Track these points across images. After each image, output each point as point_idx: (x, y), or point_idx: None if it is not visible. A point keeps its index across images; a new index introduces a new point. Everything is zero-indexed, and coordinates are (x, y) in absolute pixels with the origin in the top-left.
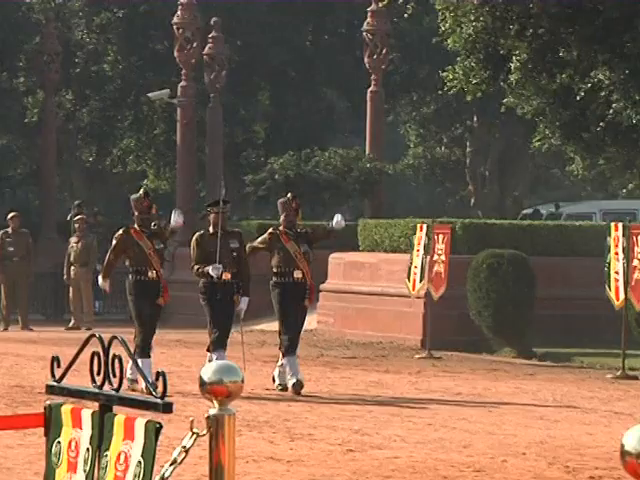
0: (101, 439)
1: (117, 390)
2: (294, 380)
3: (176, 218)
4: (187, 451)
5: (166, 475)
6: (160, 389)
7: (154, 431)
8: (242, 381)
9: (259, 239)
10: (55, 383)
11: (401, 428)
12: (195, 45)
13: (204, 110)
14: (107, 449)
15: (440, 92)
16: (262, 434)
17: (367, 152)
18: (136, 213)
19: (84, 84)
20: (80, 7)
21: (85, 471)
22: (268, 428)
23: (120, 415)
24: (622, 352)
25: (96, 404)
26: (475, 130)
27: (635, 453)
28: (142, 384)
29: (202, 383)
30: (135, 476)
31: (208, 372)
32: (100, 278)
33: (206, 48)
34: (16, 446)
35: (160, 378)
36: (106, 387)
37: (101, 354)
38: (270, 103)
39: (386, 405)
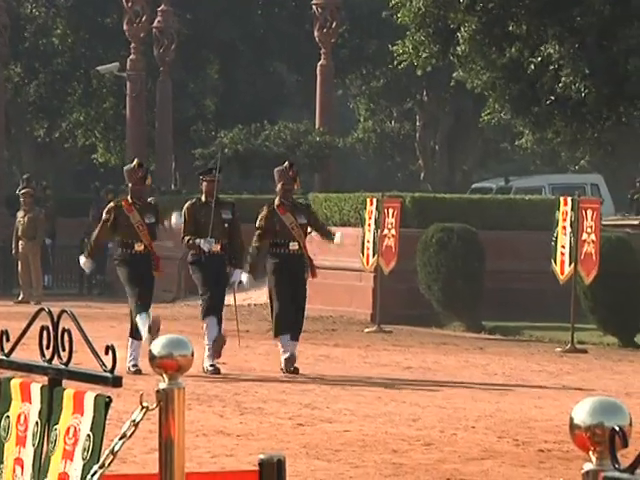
0: (50, 413)
1: (66, 364)
2: (287, 355)
3: (176, 221)
4: (137, 425)
5: (116, 449)
6: (110, 363)
7: (103, 405)
8: (192, 355)
9: (258, 222)
10: (4, 357)
11: (351, 402)
12: (144, 19)
13: (153, 84)
14: (56, 423)
15: (390, 66)
16: (212, 408)
17: (317, 126)
18: (129, 185)
19: (33, 58)
20: None
21: (34, 445)
22: (218, 402)
23: (69, 389)
24: (571, 326)
25: (45, 378)
26: (425, 104)
27: (584, 426)
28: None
29: (152, 357)
30: (84, 450)
31: (158, 346)
32: (82, 257)
33: (155, 22)
34: None
35: (110, 352)
36: (55, 361)
37: (50, 328)
38: (220, 77)
39: (336, 379)
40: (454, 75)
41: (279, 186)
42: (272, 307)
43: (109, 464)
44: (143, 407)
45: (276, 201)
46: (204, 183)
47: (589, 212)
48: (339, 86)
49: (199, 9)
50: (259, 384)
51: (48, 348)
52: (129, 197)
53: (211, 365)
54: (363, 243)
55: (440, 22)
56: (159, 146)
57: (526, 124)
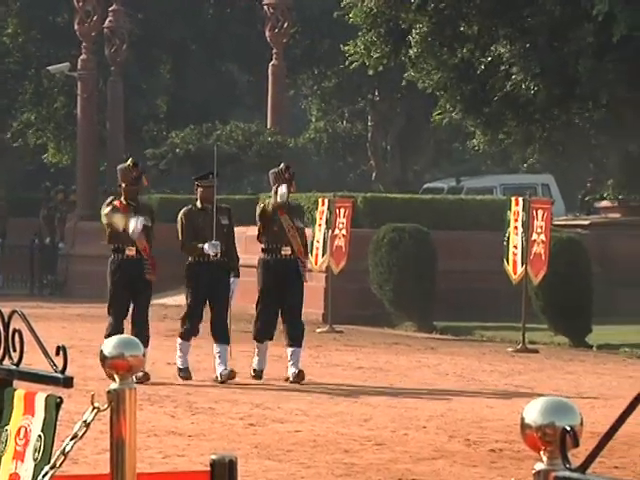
0: (0, 414)
1: (17, 364)
2: (294, 370)
3: (135, 226)
4: (88, 425)
5: (67, 449)
6: (61, 363)
7: (55, 405)
8: (143, 355)
9: (259, 221)
10: None
11: (302, 402)
12: (95, 18)
13: (105, 84)
14: (7, 424)
15: (342, 66)
16: (163, 408)
17: (268, 126)
18: (123, 185)
19: None
20: None
21: None
22: (170, 402)
23: (20, 390)
24: (522, 326)
25: None
26: (376, 104)
27: (535, 426)
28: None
29: (103, 357)
30: (35, 451)
31: (109, 346)
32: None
33: (106, 21)
34: None
35: (61, 352)
36: (6, 361)
37: (1, 328)
38: (171, 77)
39: (287, 380)
40: (405, 75)
41: (274, 188)
42: (256, 311)
43: (60, 465)
44: (94, 408)
45: (272, 203)
46: (200, 189)
47: (540, 212)
48: (291, 86)
49: (150, 9)
50: (210, 384)
51: None
52: (122, 198)
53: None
54: (312, 243)
55: (392, 22)
56: (110, 146)
57: (477, 124)
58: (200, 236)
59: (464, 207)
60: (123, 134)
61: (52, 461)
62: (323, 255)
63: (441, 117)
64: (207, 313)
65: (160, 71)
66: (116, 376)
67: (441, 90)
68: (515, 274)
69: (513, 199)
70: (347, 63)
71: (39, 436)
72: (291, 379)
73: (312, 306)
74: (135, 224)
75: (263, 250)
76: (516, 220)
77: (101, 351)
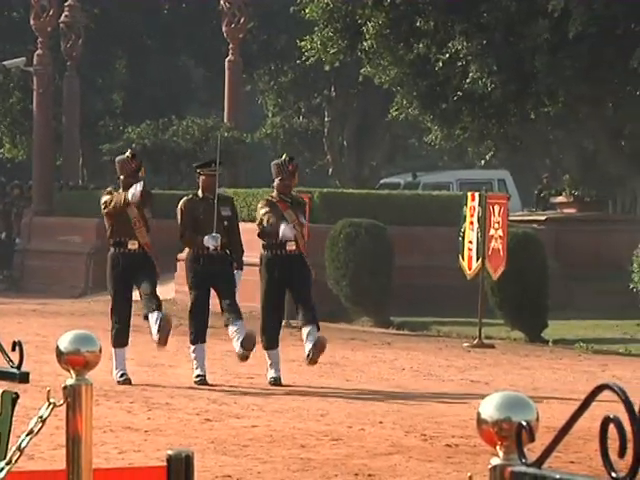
0: None
1: None
2: (275, 375)
3: (132, 196)
4: (44, 421)
5: (23, 445)
6: (17, 359)
7: (10, 401)
8: (99, 351)
9: (261, 217)
10: None
11: (259, 397)
12: (51, 13)
13: (61, 79)
14: None
15: (298, 62)
16: (120, 404)
17: (225, 121)
18: (122, 177)
19: None
20: None
21: None
22: (126, 398)
23: None
24: (479, 321)
25: None
26: (333, 100)
27: (491, 421)
28: None
29: (59, 353)
30: None
31: (65, 342)
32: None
33: (62, 16)
34: None
35: (17, 348)
36: None
37: None
38: (127, 72)
39: (243, 374)
40: (362, 71)
41: (277, 181)
42: (261, 316)
43: (16, 461)
44: (50, 403)
45: (274, 196)
46: (202, 177)
47: (496, 208)
48: (247, 81)
49: (106, 4)
50: (167, 380)
51: None
52: (121, 190)
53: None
54: None
55: (348, 18)
56: (66, 141)
57: (434, 120)
58: (200, 227)
59: (420, 203)
60: (79, 129)
61: (7, 457)
62: None
63: (398, 113)
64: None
65: (116, 66)
66: (72, 371)
67: (397, 86)
68: (470, 269)
69: (469, 194)
70: (304, 58)
71: None
72: (310, 356)
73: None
74: (135, 188)
75: (265, 247)
76: (472, 215)
77: (57, 346)
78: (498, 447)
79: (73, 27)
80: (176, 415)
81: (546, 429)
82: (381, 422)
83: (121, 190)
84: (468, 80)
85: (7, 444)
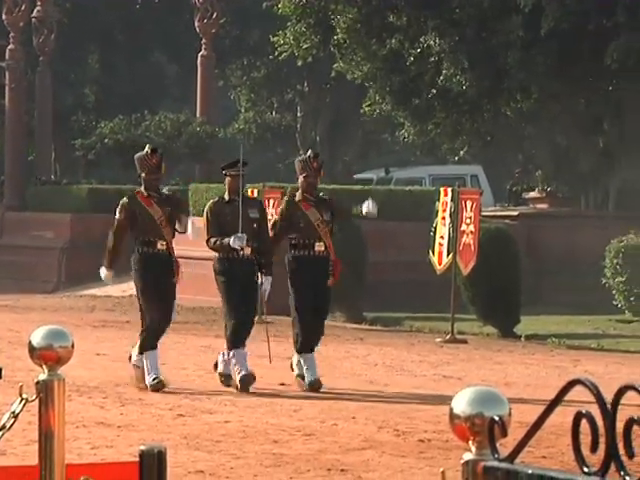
0: None
1: None
2: (311, 378)
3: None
4: (16, 417)
5: None
6: None
7: None
8: (72, 346)
9: (277, 217)
10: None
11: (231, 393)
12: (23, 8)
13: (33, 73)
14: None
15: (271, 57)
16: (92, 399)
17: (197, 116)
18: (142, 174)
19: None
20: None
21: None
22: (98, 393)
23: None
24: (451, 316)
25: None
26: (306, 95)
27: (464, 416)
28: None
29: (31, 348)
30: None
31: (37, 337)
32: (103, 270)
33: (35, 11)
34: None
35: None
36: None
37: None
38: (100, 67)
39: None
40: (335, 66)
41: (301, 178)
42: (294, 320)
43: None
44: (23, 399)
45: (297, 195)
46: (227, 178)
47: (469, 203)
48: (220, 77)
49: None
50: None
51: None
52: (142, 188)
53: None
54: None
55: (321, 13)
56: (39, 136)
57: (406, 115)
58: (226, 231)
59: (393, 198)
60: (51, 124)
61: None
62: None
63: (370, 108)
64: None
65: (88, 61)
66: (44, 367)
67: (370, 81)
68: (440, 264)
69: (442, 190)
70: (276, 54)
71: None
72: (306, 383)
73: None
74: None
75: (293, 247)
76: (444, 210)
77: (30, 342)
78: (470, 442)
79: (45, 22)
80: (149, 410)
81: (518, 424)
82: (354, 417)
83: (143, 188)
84: (441, 77)
85: None
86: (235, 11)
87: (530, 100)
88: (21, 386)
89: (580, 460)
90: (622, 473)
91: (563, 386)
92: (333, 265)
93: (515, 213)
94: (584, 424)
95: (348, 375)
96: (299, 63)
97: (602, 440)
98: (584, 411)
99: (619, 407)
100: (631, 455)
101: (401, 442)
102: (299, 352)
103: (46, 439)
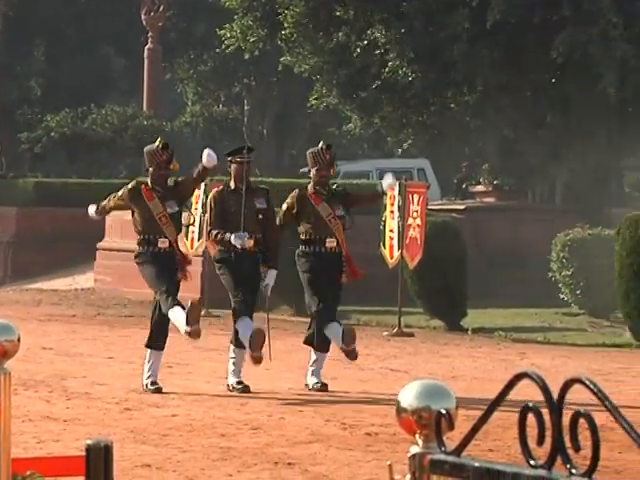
0: None
1: None
2: (315, 380)
3: (207, 157)
4: None
5: None
6: None
7: None
8: (18, 340)
9: (284, 206)
10: None
11: (178, 386)
12: None
13: None
14: None
15: (218, 50)
16: (38, 393)
17: (144, 110)
18: (150, 169)
19: None
20: None
21: None
22: (44, 387)
23: None
24: (398, 310)
25: None
26: (253, 88)
27: (410, 410)
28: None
29: None
30: None
31: None
32: (92, 207)
33: None
34: None
35: None
36: None
37: None
38: (46, 60)
39: (163, 363)
40: (282, 59)
41: (313, 171)
42: (312, 318)
43: None
44: None
45: (309, 189)
46: (233, 166)
47: (415, 197)
48: (166, 70)
49: None
50: (86, 369)
51: None
52: (149, 181)
53: (238, 382)
54: (188, 227)
55: (267, 6)
56: None
57: (353, 109)
58: (231, 222)
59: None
60: None
61: None
62: (199, 239)
63: (318, 102)
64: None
65: (34, 54)
66: None
67: (317, 74)
68: (392, 258)
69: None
70: (223, 47)
71: None
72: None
73: (189, 290)
74: (206, 155)
75: (303, 242)
76: (392, 204)
77: None
78: (417, 435)
79: None
80: (95, 404)
81: (465, 417)
82: (301, 411)
83: (149, 182)
84: (387, 69)
85: None
86: (182, 4)
87: (476, 93)
88: None
89: (527, 453)
90: (568, 466)
91: (510, 379)
92: (347, 262)
93: (462, 207)
94: (531, 417)
95: (295, 369)
96: (246, 56)
97: (549, 433)
98: (531, 404)
99: (565, 400)
100: (577, 448)
101: (348, 435)
102: (316, 350)
103: None
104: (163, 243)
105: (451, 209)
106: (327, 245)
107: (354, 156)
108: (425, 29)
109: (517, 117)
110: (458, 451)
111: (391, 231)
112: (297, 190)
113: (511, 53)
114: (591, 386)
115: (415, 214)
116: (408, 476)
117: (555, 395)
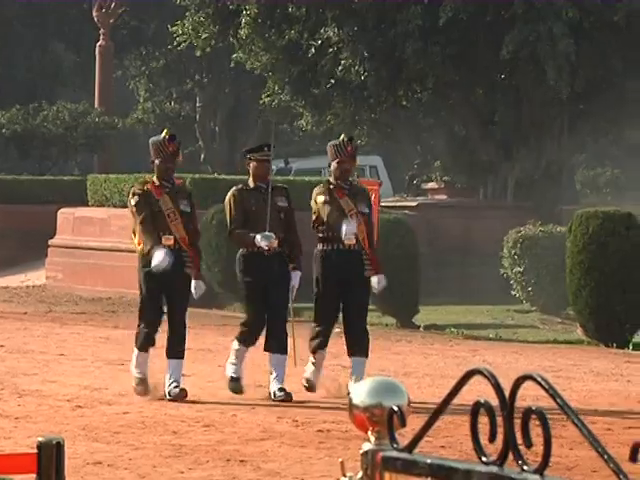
0: None
1: None
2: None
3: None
4: None
5: None
6: None
7: None
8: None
9: (316, 196)
10: None
11: (130, 384)
12: None
13: None
14: None
15: (169, 47)
16: None
17: (96, 106)
18: (156, 161)
19: None
20: None
21: None
22: None
23: None
24: None
25: None
26: (205, 85)
27: (362, 406)
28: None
29: None
30: None
31: None
32: (159, 252)
33: None
34: None
35: None
36: None
37: None
38: None
39: (115, 361)
40: (234, 56)
41: (334, 164)
42: (315, 318)
43: None
44: None
45: (331, 182)
46: (253, 164)
47: None
48: (118, 67)
49: None
50: (37, 366)
51: None
52: (155, 177)
53: (280, 389)
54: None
55: (219, 3)
56: None
57: (305, 105)
58: (252, 222)
59: (293, 188)
60: None
61: None
62: None
63: (270, 99)
64: None
65: None
66: None
67: (269, 71)
68: None
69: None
70: (175, 44)
71: None
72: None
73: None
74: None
75: (321, 240)
76: None
77: None
78: (370, 432)
79: None
80: (47, 402)
81: (417, 414)
82: (253, 408)
83: (155, 176)
84: (340, 67)
85: None
86: (133, 1)
87: (427, 90)
88: None
89: (478, 449)
90: (520, 462)
91: (462, 376)
92: (371, 260)
93: (414, 204)
94: (482, 414)
95: (247, 365)
96: (198, 53)
97: (500, 430)
98: (482, 401)
99: (517, 397)
100: (529, 445)
101: (300, 432)
102: (313, 352)
103: None
104: (168, 240)
105: (403, 206)
106: (346, 242)
107: (306, 153)
108: (378, 26)
109: (468, 114)
110: (410, 448)
111: None
112: (323, 185)
113: (463, 50)
114: (542, 383)
115: None
116: (360, 473)
117: (507, 392)
